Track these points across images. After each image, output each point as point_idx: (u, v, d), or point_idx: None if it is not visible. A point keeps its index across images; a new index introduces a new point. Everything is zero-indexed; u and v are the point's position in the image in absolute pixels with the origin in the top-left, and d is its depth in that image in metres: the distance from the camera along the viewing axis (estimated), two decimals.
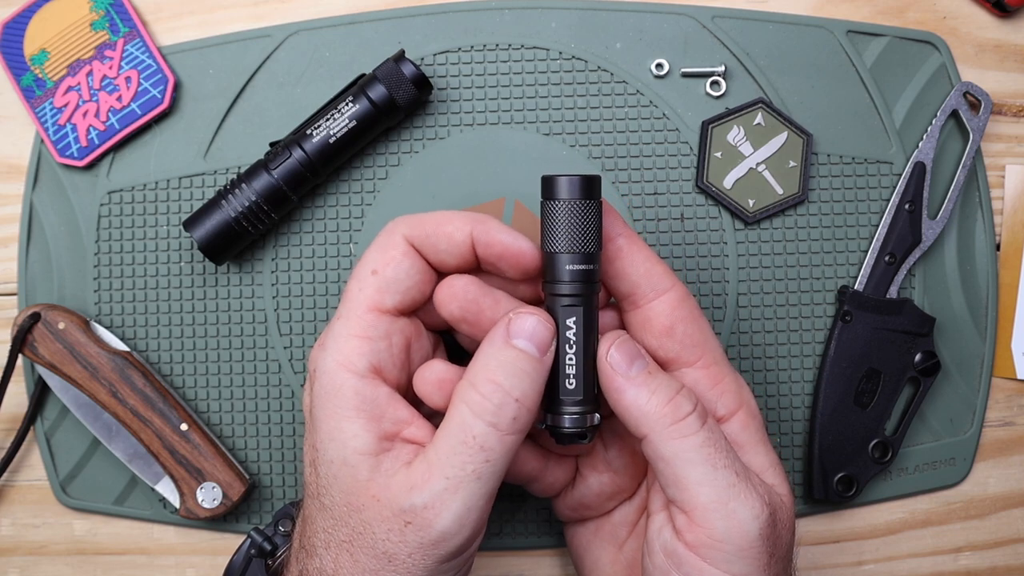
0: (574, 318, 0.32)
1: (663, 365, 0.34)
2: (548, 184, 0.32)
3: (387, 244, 0.33)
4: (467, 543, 0.30)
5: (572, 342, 0.32)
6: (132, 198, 0.46)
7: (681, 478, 0.30)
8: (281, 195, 0.42)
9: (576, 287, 0.31)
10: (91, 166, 0.46)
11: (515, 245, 0.32)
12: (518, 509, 0.44)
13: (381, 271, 0.32)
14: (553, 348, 0.32)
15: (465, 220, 0.33)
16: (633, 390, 0.31)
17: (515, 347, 0.31)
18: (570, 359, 0.32)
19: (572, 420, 0.32)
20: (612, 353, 0.31)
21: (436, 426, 0.32)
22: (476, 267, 0.34)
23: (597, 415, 0.32)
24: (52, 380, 0.44)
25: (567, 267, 0.31)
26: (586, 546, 0.38)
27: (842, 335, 0.44)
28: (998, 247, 0.45)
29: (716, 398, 0.34)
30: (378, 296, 0.32)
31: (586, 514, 0.37)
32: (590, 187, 0.31)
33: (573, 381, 0.32)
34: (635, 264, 0.33)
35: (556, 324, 0.32)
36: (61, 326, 0.43)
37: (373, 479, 0.30)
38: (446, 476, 0.29)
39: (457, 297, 0.33)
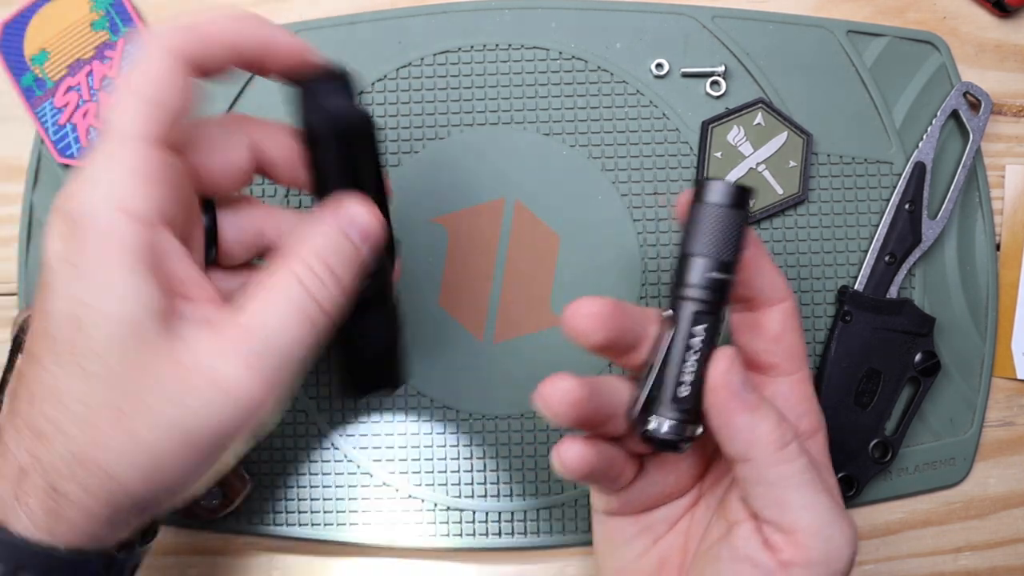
0: (704, 326, 0.31)
1: (765, 369, 0.35)
2: (703, 187, 0.31)
3: (154, 61, 0.28)
4: (265, 420, 0.28)
5: (696, 350, 0.31)
6: None
7: (785, 501, 0.30)
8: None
9: (710, 295, 0.31)
10: None
11: (286, 41, 0.30)
12: (519, 509, 0.44)
13: (154, 95, 0.27)
14: (374, 249, 0.31)
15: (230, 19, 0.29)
16: (748, 413, 0.30)
17: (348, 236, 0.30)
18: (690, 367, 0.31)
19: (673, 427, 0.31)
20: (734, 372, 0.31)
21: (214, 287, 0.30)
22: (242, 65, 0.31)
23: (699, 428, 0.32)
24: None
25: (706, 274, 0.31)
26: (617, 538, 0.37)
27: (842, 335, 0.44)
28: (998, 247, 0.46)
29: (803, 413, 0.34)
30: (155, 127, 0.27)
31: (633, 509, 0.37)
32: (743, 197, 0.31)
33: (687, 389, 0.31)
34: (762, 274, 0.34)
35: (679, 327, 0.31)
36: None
37: (168, 342, 0.26)
38: (267, 338, 0.27)
39: (605, 325, 0.31)
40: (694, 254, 0.31)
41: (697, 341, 0.31)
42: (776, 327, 0.34)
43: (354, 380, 0.35)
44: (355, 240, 0.30)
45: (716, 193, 0.31)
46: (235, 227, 0.33)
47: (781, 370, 0.34)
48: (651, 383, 0.31)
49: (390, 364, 0.35)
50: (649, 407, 0.31)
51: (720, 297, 0.31)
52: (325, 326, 0.29)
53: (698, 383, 0.31)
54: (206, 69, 0.29)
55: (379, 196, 0.32)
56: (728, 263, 0.31)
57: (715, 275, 0.31)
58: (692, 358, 0.31)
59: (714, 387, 0.31)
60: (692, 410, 0.31)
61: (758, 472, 0.31)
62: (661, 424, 0.31)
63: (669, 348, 0.31)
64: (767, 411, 0.31)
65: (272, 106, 0.45)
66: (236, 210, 0.34)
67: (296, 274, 0.29)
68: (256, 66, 0.30)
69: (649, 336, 0.32)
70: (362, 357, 0.34)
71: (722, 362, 0.31)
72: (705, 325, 0.31)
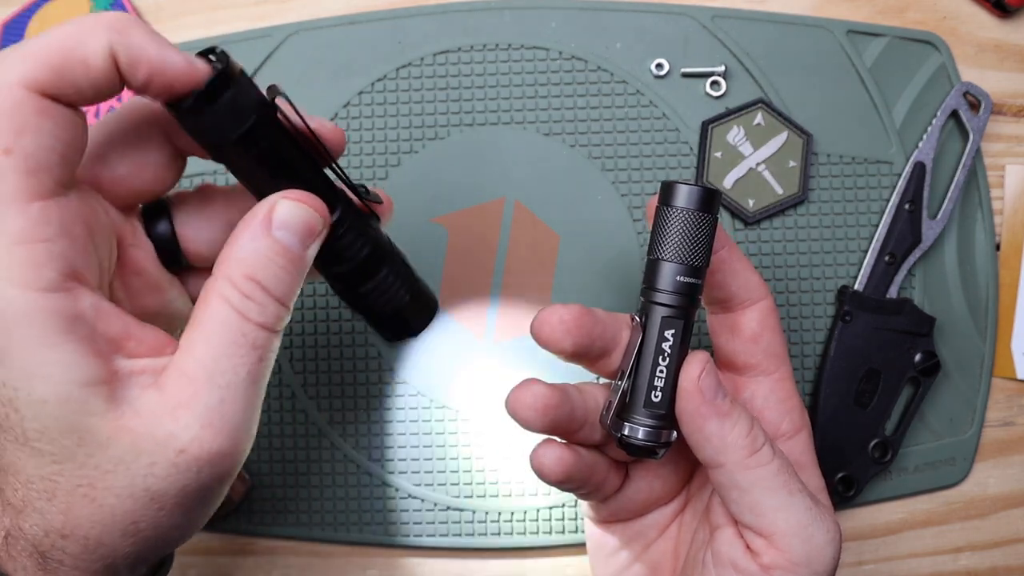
0: (673, 331, 0.31)
1: (744, 370, 0.34)
2: (668, 190, 0.31)
3: (7, 106, 0.23)
4: (243, 460, 0.27)
5: (667, 355, 0.31)
6: None
7: (759, 505, 0.30)
8: None
9: (679, 299, 0.30)
10: None
11: (171, 65, 0.25)
12: (518, 509, 0.44)
13: (16, 146, 0.23)
14: (319, 241, 0.28)
15: (99, 31, 0.24)
16: (718, 419, 0.30)
17: (275, 239, 0.26)
18: (661, 371, 0.31)
19: (648, 433, 0.31)
20: (705, 378, 0.30)
21: (155, 331, 0.27)
22: (119, 89, 0.26)
23: (674, 432, 0.32)
24: None
25: (676, 278, 0.30)
26: (609, 545, 0.37)
27: (842, 335, 0.44)
28: (998, 247, 0.46)
29: (784, 413, 0.34)
30: (32, 181, 0.24)
31: (622, 517, 0.37)
32: (711, 200, 0.31)
33: (659, 394, 0.31)
34: (736, 275, 0.33)
35: (649, 332, 0.31)
36: None
37: (115, 409, 0.25)
38: (219, 385, 0.25)
39: (572, 332, 0.31)
40: (662, 259, 0.31)
41: (668, 346, 0.31)
42: (754, 327, 0.34)
43: (385, 334, 0.34)
44: (285, 241, 0.27)
45: (682, 197, 0.30)
46: (196, 227, 0.31)
47: (761, 370, 0.34)
48: (623, 389, 0.31)
49: (412, 310, 0.34)
50: (623, 413, 0.31)
51: (690, 301, 0.31)
52: (271, 343, 0.27)
53: (670, 388, 0.31)
54: (81, 103, 0.25)
55: (312, 168, 0.29)
56: (697, 267, 0.31)
57: (684, 279, 0.30)
58: (663, 363, 0.31)
59: (685, 393, 0.30)
60: (667, 415, 0.31)
61: (730, 477, 0.31)
62: (636, 430, 0.31)
63: (640, 354, 0.31)
64: (738, 416, 0.31)
65: None
66: (193, 207, 0.31)
67: (225, 297, 0.26)
68: (133, 89, 0.25)
69: (621, 341, 0.32)
70: (384, 312, 0.33)
71: (694, 367, 0.30)
72: (675, 330, 0.31)
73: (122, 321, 0.26)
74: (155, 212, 0.30)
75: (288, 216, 0.27)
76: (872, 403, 0.43)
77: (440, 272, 0.45)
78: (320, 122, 0.29)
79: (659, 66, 0.45)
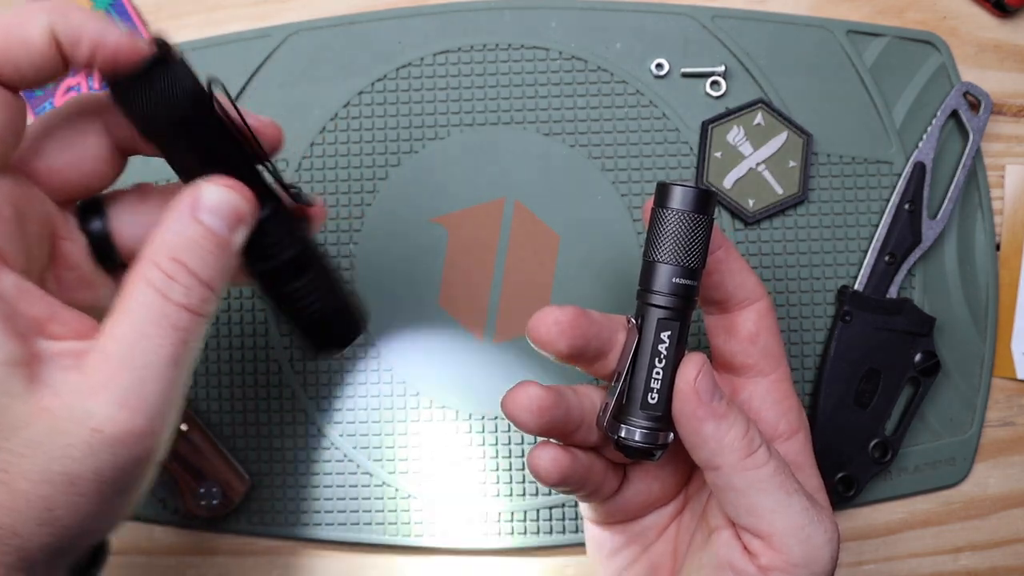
0: (669, 332, 0.30)
1: (742, 371, 0.34)
2: (663, 191, 0.31)
3: None
4: (162, 445, 0.26)
5: (663, 356, 0.31)
6: None
7: (756, 507, 0.30)
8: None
9: (675, 301, 0.30)
10: None
11: (112, 37, 0.25)
12: (519, 509, 0.44)
13: None
14: (246, 228, 0.28)
15: (39, 13, 0.25)
16: (714, 421, 0.30)
17: (201, 223, 0.27)
18: (657, 373, 0.31)
19: (644, 435, 0.31)
20: (702, 380, 0.30)
21: (80, 315, 0.27)
22: (62, 70, 0.26)
23: (671, 434, 0.31)
24: None
25: (671, 280, 0.30)
26: (608, 547, 0.37)
27: (842, 335, 0.44)
28: (998, 247, 0.46)
29: (782, 414, 0.34)
30: None
31: (621, 518, 0.37)
32: (706, 201, 0.30)
33: (656, 396, 0.31)
34: (732, 275, 0.33)
35: (645, 334, 0.31)
36: None
37: (35, 391, 0.24)
38: (139, 366, 0.25)
39: (567, 334, 0.31)
40: (658, 260, 0.30)
41: (664, 348, 0.31)
42: (751, 327, 0.34)
43: (312, 342, 0.34)
44: (211, 224, 0.27)
45: (677, 198, 0.30)
46: (131, 225, 0.31)
47: (758, 371, 0.34)
48: (620, 391, 0.31)
49: (340, 317, 0.34)
50: (619, 415, 0.31)
51: (686, 303, 0.31)
52: (195, 326, 0.26)
53: (667, 390, 0.31)
54: (21, 83, 0.25)
55: (245, 163, 0.29)
56: (693, 269, 0.30)
57: (680, 281, 0.30)
58: (660, 365, 0.31)
59: (681, 395, 0.30)
60: (663, 417, 0.31)
61: (727, 479, 0.30)
62: (632, 432, 0.31)
63: (636, 355, 0.31)
64: (735, 418, 0.30)
65: (270, 107, 0.45)
66: (129, 205, 0.31)
67: (148, 279, 0.26)
68: (77, 67, 0.26)
69: (617, 343, 0.32)
70: (309, 319, 0.33)
71: (690, 369, 0.30)
72: (671, 332, 0.30)
73: (46, 303, 0.26)
74: (91, 208, 0.30)
75: (215, 200, 0.27)
76: (872, 403, 0.43)
77: (440, 272, 0.45)
78: (259, 119, 0.30)
79: (659, 66, 0.45)
